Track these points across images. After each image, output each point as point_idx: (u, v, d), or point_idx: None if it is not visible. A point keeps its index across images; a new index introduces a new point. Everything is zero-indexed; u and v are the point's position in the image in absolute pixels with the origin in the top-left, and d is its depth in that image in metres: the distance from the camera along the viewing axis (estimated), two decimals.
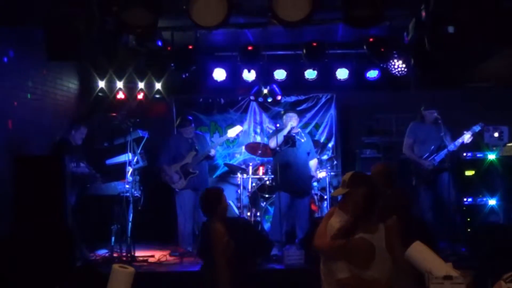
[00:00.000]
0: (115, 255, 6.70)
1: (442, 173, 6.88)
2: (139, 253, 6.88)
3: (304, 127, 8.72)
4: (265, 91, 8.20)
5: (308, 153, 7.23)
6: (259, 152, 8.03)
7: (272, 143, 7.00)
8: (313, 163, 7.32)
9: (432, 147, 6.94)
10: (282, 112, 7.60)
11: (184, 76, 7.37)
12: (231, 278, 4.35)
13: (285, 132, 6.92)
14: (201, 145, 7.43)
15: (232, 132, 7.62)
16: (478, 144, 7.25)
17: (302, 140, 7.16)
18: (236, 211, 8.10)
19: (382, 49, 6.92)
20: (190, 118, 7.62)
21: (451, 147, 6.79)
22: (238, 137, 8.40)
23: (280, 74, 8.25)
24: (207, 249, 4.49)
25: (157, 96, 7.99)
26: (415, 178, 7.10)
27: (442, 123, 6.82)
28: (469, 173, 7.19)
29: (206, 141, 7.91)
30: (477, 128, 6.86)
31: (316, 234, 3.76)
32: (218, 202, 4.53)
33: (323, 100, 8.99)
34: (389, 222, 3.71)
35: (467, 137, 6.82)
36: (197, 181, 7.23)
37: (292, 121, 7.06)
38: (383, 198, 3.84)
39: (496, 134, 7.21)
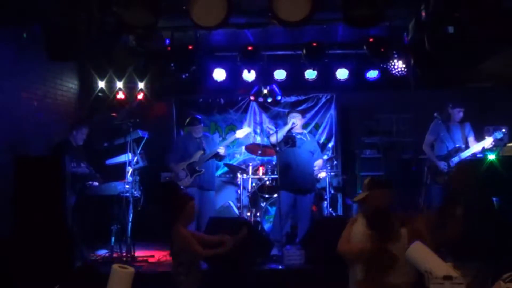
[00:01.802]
0: (115, 255, 6.69)
1: None
2: (139, 253, 6.88)
3: (304, 127, 8.70)
4: (265, 91, 8.20)
5: (312, 153, 7.22)
6: (259, 152, 8.03)
7: (273, 139, 7.01)
8: (318, 163, 7.31)
9: (451, 147, 6.89)
10: (286, 113, 7.60)
11: (184, 76, 7.36)
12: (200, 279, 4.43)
13: (286, 128, 6.92)
14: (209, 146, 7.41)
15: (241, 133, 7.62)
16: None
17: (305, 139, 7.16)
18: (236, 211, 8.10)
19: (382, 49, 6.92)
20: (199, 117, 7.61)
21: (468, 152, 6.74)
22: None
23: (280, 74, 8.24)
24: (172, 252, 4.52)
25: (157, 96, 7.99)
26: (430, 177, 7.06)
27: (469, 123, 6.77)
28: None
29: (214, 142, 7.88)
30: (499, 135, 6.76)
31: (341, 239, 3.87)
32: (183, 208, 4.51)
33: (323, 100, 9.00)
34: (416, 225, 3.68)
35: (488, 143, 6.74)
36: (203, 180, 7.23)
37: (295, 120, 7.06)
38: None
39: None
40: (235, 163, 8.69)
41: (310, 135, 7.52)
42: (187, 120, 7.64)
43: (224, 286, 5.79)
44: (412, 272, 3.46)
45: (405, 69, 7.61)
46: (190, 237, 4.44)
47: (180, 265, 4.41)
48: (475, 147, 6.78)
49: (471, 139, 6.88)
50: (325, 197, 7.92)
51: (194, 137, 7.38)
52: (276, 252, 6.58)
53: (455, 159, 6.81)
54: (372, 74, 8.34)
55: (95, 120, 8.00)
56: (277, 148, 6.88)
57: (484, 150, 6.80)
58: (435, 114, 7.03)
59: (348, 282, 3.90)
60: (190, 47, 6.98)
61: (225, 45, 7.90)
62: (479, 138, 7.00)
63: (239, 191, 8.14)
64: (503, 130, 6.84)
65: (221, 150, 7.32)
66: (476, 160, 6.70)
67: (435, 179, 6.98)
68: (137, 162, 7.08)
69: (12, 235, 5.67)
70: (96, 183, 6.93)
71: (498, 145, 7.14)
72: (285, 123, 7.24)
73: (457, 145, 6.88)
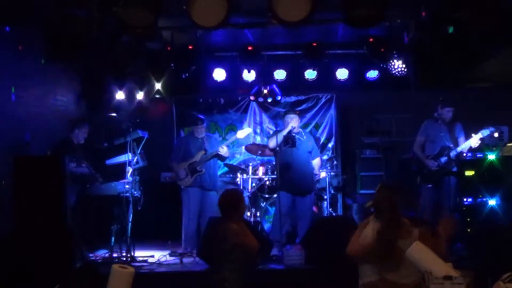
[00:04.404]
0: (115, 255, 6.68)
1: (448, 176, 6.84)
2: (139, 253, 6.87)
3: (304, 127, 8.71)
4: (265, 91, 8.20)
5: (310, 152, 7.20)
6: (259, 152, 8.03)
7: (272, 143, 6.95)
8: (316, 162, 7.28)
9: (440, 147, 6.90)
10: (283, 113, 7.58)
11: (184, 76, 7.36)
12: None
13: (285, 132, 6.88)
14: (211, 146, 7.38)
15: (242, 134, 7.61)
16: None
17: (302, 139, 7.14)
18: None
19: (382, 49, 6.92)
20: (202, 117, 7.55)
21: (458, 149, 6.75)
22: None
23: (280, 74, 8.24)
24: (216, 250, 4.52)
25: (157, 96, 7.99)
26: (420, 177, 7.09)
27: (460, 123, 6.77)
28: (469, 173, 7.18)
29: (217, 143, 7.84)
30: (485, 132, 6.73)
31: (351, 241, 3.98)
32: (238, 205, 4.58)
33: (323, 100, 9.00)
34: (423, 229, 3.78)
35: (474, 141, 6.71)
36: (204, 180, 7.20)
37: (293, 122, 7.03)
38: None
39: (496, 134, 7.18)
40: (235, 163, 8.69)
41: (306, 134, 7.48)
42: (191, 120, 7.62)
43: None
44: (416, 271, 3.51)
45: (405, 69, 7.60)
46: (244, 231, 4.46)
47: (232, 262, 4.40)
48: (463, 146, 6.78)
49: (461, 139, 6.87)
50: (325, 197, 7.92)
51: (196, 137, 7.37)
52: (276, 252, 6.58)
53: (444, 159, 6.82)
54: (372, 74, 8.34)
55: (95, 120, 7.99)
56: (277, 148, 6.87)
57: (471, 149, 6.80)
58: (435, 114, 7.02)
59: (351, 282, 3.92)
60: (190, 47, 6.98)
61: (225, 45, 7.90)
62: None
63: None
64: (491, 128, 6.78)
65: (223, 151, 7.30)
66: None
67: (425, 179, 7.00)
68: (137, 162, 7.08)
69: (12, 235, 5.66)
70: (96, 183, 6.94)
71: (490, 143, 7.14)
72: (284, 124, 7.23)
73: (446, 145, 6.87)
